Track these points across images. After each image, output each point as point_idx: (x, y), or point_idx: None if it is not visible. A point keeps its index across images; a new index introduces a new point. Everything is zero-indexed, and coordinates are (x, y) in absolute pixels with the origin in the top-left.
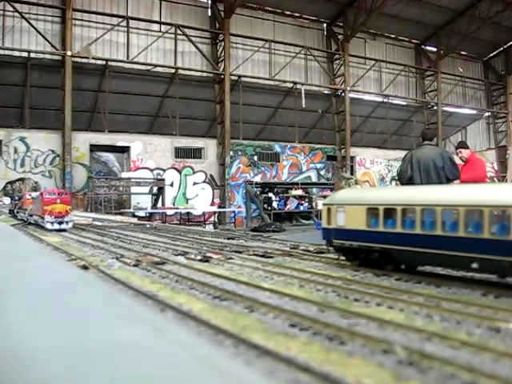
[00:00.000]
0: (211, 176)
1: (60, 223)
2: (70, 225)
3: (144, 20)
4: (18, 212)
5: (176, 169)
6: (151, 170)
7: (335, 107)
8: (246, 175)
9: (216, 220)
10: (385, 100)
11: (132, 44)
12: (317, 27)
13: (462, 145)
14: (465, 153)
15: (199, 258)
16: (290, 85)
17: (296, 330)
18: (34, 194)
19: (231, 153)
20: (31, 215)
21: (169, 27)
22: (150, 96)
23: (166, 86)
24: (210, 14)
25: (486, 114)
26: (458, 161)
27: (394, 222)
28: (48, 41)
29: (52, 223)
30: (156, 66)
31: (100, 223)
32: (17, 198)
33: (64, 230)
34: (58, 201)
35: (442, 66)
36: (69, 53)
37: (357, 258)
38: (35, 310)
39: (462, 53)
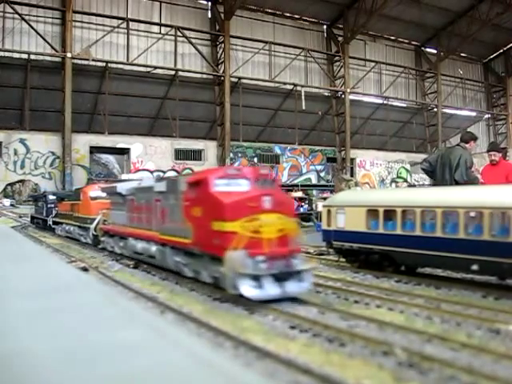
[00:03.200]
0: None
1: (282, 279)
2: (308, 283)
3: (144, 22)
4: (56, 223)
5: (176, 170)
6: (151, 172)
7: (335, 109)
8: None
9: None
10: (385, 102)
11: (132, 46)
12: (317, 29)
13: (497, 148)
14: (497, 156)
15: None
16: (290, 87)
17: (296, 332)
18: (127, 187)
19: (231, 154)
20: (121, 237)
21: (169, 29)
22: (150, 98)
23: (166, 88)
24: (209, 15)
25: (486, 115)
26: (475, 162)
27: (394, 224)
28: (48, 42)
29: (257, 280)
30: (156, 67)
31: None
32: (53, 197)
33: (292, 299)
34: (267, 204)
35: (442, 67)
36: (69, 54)
37: (357, 260)
38: (35, 311)
39: (462, 55)
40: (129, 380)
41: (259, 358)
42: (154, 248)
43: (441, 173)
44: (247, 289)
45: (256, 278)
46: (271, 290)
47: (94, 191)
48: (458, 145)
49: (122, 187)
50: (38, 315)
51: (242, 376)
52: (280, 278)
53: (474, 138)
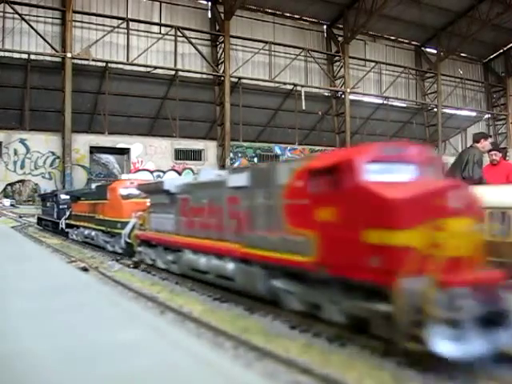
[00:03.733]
0: None
1: (487, 323)
2: None
3: (144, 22)
4: (70, 226)
5: (176, 170)
6: (151, 172)
7: (335, 109)
8: None
9: None
10: (385, 102)
11: (132, 46)
12: (317, 29)
13: (497, 147)
14: (498, 156)
15: None
16: (290, 87)
17: (296, 332)
18: (178, 183)
19: (231, 154)
20: (167, 248)
21: (169, 29)
22: (150, 98)
23: (166, 88)
24: (209, 15)
25: (486, 115)
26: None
27: None
28: (48, 43)
29: (456, 326)
30: (156, 67)
31: None
32: (66, 197)
33: None
34: (456, 203)
35: (442, 67)
36: (69, 54)
37: None
38: (36, 312)
39: (462, 55)
40: (129, 380)
41: (259, 358)
42: (230, 266)
43: (455, 172)
44: (445, 344)
45: (454, 324)
46: (477, 343)
47: (126, 188)
48: (471, 146)
49: (170, 183)
50: (39, 315)
51: (242, 376)
52: (485, 321)
53: (485, 137)
